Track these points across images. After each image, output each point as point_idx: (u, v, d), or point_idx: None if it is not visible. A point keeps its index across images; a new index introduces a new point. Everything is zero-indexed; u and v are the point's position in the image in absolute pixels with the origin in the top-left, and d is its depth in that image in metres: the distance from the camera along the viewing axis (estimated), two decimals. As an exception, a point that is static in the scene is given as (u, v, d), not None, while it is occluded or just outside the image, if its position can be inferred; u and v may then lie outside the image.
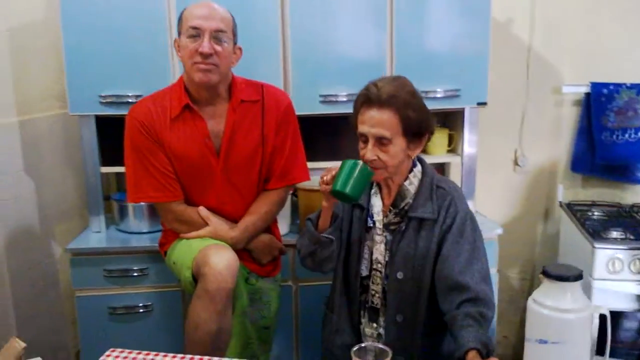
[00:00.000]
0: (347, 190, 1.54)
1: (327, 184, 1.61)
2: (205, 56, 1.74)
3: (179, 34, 1.82)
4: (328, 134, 2.59)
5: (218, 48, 1.76)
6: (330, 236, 1.68)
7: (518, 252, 2.98)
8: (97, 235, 2.42)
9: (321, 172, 2.42)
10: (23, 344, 1.37)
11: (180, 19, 1.81)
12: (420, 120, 1.60)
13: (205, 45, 1.73)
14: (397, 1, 2.32)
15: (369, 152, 1.59)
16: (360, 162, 1.57)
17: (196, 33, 1.75)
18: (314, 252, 1.72)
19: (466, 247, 1.59)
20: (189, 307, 1.75)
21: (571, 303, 1.21)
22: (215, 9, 1.78)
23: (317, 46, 2.33)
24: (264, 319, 2.05)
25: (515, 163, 2.92)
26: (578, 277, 1.23)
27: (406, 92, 1.59)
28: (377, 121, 1.57)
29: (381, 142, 1.58)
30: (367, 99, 1.59)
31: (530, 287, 3.03)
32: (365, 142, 1.61)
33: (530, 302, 1.27)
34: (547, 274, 1.24)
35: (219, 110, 1.87)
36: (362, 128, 1.60)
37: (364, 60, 2.35)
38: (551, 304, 1.22)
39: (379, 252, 1.70)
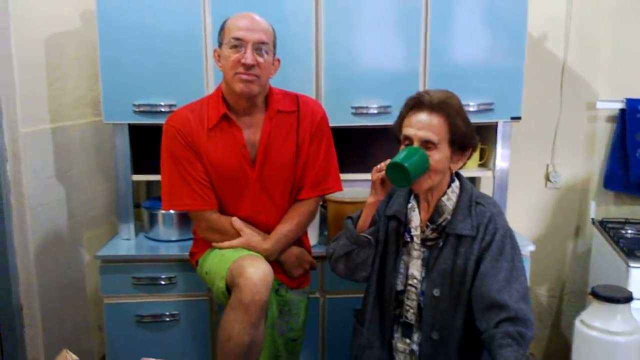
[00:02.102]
0: (407, 164, 1.51)
1: (380, 171, 1.61)
2: (248, 67, 1.75)
3: (220, 44, 1.82)
4: (359, 146, 2.57)
5: (260, 59, 1.77)
6: (369, 236, 1.67)
7: (547, 269, 2.93)
8: (127, 243, 2.42)
9: (351, 184, 2.46)
10: (75, 357, 1.36)
11: (221, 30, 1.82)
12: (468, 132, 1.60)
13: (248, 57, 1.74)
14: (431, 14, 2.30)
15: None
16: (421, 149, 1.55)
17: (239, 44, 1.75)
18: (349, 254, 1.70)
19: (505, 266, 1.55)
20: (222, 317, 1.74)
21: (621, 325, 1.18)
22: (257, 21, 1.79)
23: (349, 58, 2.33)
24: (292, 331, 2.03)
25: (547, 179, 2.88)
26: (629, 298, 1.20)
27: (456, 102, 1.60)
28: (425, 124, 1.56)
29: (426, 146, 1.56)
30: (418, 102, 1.59)
31: (559, 305, 2.98)
32: (408, 145, 1.59)
33: (578, 323, 1.24)
34: (596, 295, 1.21)
35: (256, 120, 1.88)
36: (408, 130, 1.59)
37: (396, 73, 2.34)
38: (600, 326, 1.18)
39: (416, 267, 1.67)
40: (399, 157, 1.54)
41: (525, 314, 1.49)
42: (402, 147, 1.62)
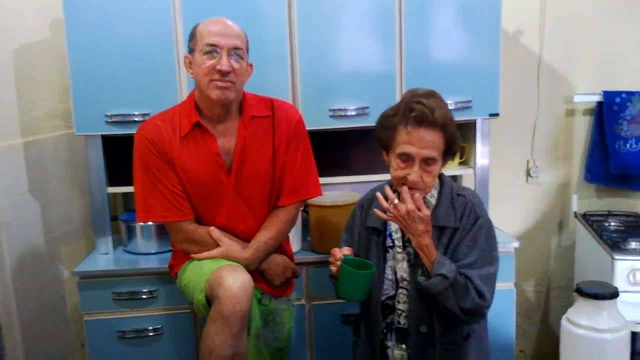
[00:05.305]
0: (356, 298, 1.67)
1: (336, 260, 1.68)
2: (224, 74, 1.71)
3: (191, 50, 1.78)
4: (338, 149, 2.55)
5: (235, 65, 1.73)
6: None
7: (533, 264, 2.93)
8: (105, 257, 2.37)
9: (332, 187, 2.44)
10: None
11: (193, 36, 1.78)
12: (459, 138, 1.63)
13: (224, 63, 1.70)
14: (406, 14, 2.29)
15: (415, 174, 1.57)
16: (361, 272, 1.60)
17: (213, 50, 1.71)
18: None
19: (475, 253, 1.60)
20: (203, 330, 1.69)
21: (608, 322, 1.16)
22: (230, 26, 1.76)
23: (325, 60, 2.30)
24: (278, 340, 2.00)
25: (528, 174, 2.87)
26: (614, 294, 1.18)
27: (449, 111, 1.61)
28: (427, 142, 1.56)
29: (427, 162, 1.57)
30: (420, 119, 1.55)
31: (546, 300, 2.98)
32: (406, 161, 1.58)
33: (564, 321, 1.22)
34: (581, 292, 1.19)
35: (230, 127, 1.84)
36: (409, 149, 1.56)
37: (373, 74, 2.32)
38: (587, 324, 1.17)
39: (403, 270, 1.67)
40: (343, 287, 1.64)
41: (483, 289, 1.54)
42: (399, 162, 1.60)
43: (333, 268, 1.67)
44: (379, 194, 1.62)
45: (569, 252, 2.85)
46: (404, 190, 1.57)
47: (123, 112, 2.24)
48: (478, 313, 1.58)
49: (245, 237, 1.89)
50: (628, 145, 2.70)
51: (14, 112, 2.35)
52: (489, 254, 1.61)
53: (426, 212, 1.55)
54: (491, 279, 1.59)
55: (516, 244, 2.31)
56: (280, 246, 1.99)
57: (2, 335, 2.27)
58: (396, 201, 1.57)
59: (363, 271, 1.60)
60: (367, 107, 2.31)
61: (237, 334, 1.63)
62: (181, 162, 1.80)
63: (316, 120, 2.28)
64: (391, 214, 1.58)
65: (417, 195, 1.56)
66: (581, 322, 1.19)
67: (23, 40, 2.39)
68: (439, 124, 1.55)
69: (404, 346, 1.68)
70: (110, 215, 2.41)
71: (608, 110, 2.70)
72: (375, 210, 1.66)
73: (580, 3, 2.74)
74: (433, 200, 1.66)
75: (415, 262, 1.63)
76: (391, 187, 1.66)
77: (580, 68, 2.78)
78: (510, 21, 2.67)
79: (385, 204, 1.59)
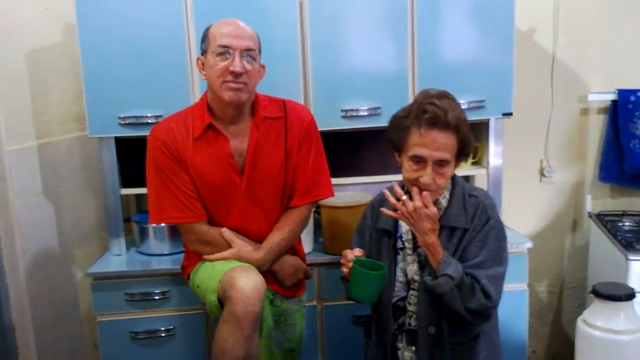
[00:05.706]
0: (367, 299, 1.64)
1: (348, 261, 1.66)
2: (237, 75, 1.71)
3: (204, 52, 1.78)
4: (350, 149, 2.54)
5: (248, 66, 1.73)
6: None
7: (546, 265, 2.90)
8: (118, 259, 2.38)
9: (344, 188, 2.43)
10: None
11: (205, 37, 1.78)
12: (472, 139, 1.62)
13: (237, 64, 1.71)
14: (418, 13, 2.28)
15: (428, 176, 1.56)
16: (372, 272, 1.59)
17: (225, 51, 1.72)
18: None
19: (484, 253, 1.58)
20: (215, 331, 1.70)
21: (625, 324, 1.15)
22: (242, 27, 1.76)
23: (337, 61, 2.30)
24: (290, 341, 2.00)
25: (542, 174, 2.85)
26: (630, 296, 1.17)
27: (462, 111, 1.59)
28: (440, 144, 1.54)
29: (440, 164, 1.56)
30: (433, 121, 1.54)
31: (559, 300, 2.95)
32: (418, 162, 1.57)
33: (580, 323, 1.21)
34: (597, 294, 1.18)
35: (242, 128, 1.84)
36: (421, 151, 1.55)
37: (385, 74, 2.31)
38: (603, 325, 1.16)
39: (413, 271, 1.66)
40: (355, 288, 1.62)
41: (489, 289, 1.52)
42: (411, 164, 1.59)
43: (345, 269, 1.67)
44: (386, 192, 1.62)
45: (583, 252, 2.83)
46: (414, 189, 1.56)
47: (136, 114, 2.25)
48: (484, 314, 1.57)
49: (257, 238, 1.89)
50: (643, 145, 2.67)
51: (27, 115, 2.37)
52: (498, 255, 1.59)
53: (433, 209, 1.54)
54: (499, 279, 1.58)
55: (529, 244, 2.29)
56: (292, 247, 1.99)
57: (16, 336, 2.29)
58: (404, 197, 1.57)
59: (375, 272, 1.60)
60: (379, 108, 2.30)
61: (249, 335, 1.63)
62: (194, 164, 1.81)
63: (328, 120, 2.28)
64: (399, 212, 1.57)
65: (425, 193, 1.55)
66: (597, 323, 1.18)
67: (36, 44, 2.41)
68: (452, 126, 1.54)
69: (413, 348, 1.67)
70: (123, 217, 2.42)
71: (623, 109, 2.68)
72: (383, 209, 1.65)
73: (594, 1, 2.72)
74: (444, 202, 1.65)
75: (425, 264, 1.63)
76: (403, 187, 1.66)
77: (594, 66, 2.76)
78: (523, 20, 2.65)
79: (393, 201, 1.59)
